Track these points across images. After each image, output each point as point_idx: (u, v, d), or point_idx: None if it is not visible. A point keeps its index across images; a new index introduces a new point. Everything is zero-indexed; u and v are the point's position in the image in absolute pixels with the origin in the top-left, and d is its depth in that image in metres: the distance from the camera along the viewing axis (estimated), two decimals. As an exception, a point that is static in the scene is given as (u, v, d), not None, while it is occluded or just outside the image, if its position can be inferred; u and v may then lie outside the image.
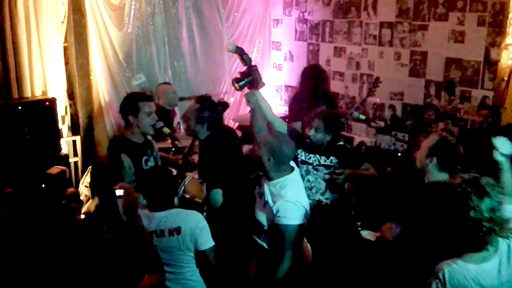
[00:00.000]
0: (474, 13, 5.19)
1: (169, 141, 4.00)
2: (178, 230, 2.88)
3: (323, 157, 3.67)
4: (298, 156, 3.67)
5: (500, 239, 2.17)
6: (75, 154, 5.63)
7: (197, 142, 3.91)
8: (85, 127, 5.68)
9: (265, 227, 3.06)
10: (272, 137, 3.09)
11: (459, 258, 2.18)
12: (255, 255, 3.21)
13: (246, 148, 4.50)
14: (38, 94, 5.18)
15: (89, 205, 5.32)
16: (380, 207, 3.82)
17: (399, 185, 3.32)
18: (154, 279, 2.65)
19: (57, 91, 5.30)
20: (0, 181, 3.73)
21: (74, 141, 5.62)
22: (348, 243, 3.01)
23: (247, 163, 3.91)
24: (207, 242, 2.93)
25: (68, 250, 2.24)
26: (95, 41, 5.71)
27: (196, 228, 2.91)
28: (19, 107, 4.77)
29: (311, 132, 3.62)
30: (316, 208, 3.53)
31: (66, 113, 5.51)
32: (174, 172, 4.19)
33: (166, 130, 4.00)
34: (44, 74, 5.22)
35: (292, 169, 3.11)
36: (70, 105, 5.60)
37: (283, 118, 4.97)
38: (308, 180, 3.66)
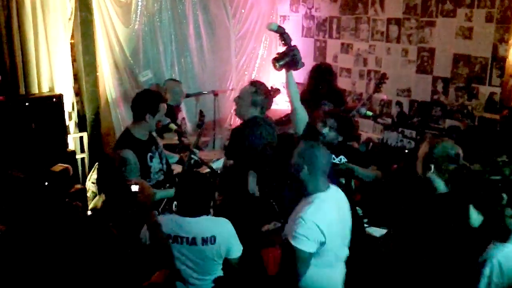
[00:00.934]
0: (482, 9, 5.16)
1: (173, 138, 4.01)
2: (212, 239, 2.81)
3: (332, 155, 3.69)
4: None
5: None
6: (82, 151, 5.65)
7: (202, 139, 3.93)
8: (92, 123, 5.69)
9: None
10: (307, 146, 2.86)
11: (506, 242, 2.19)
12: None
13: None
14: (45, 90, 5.19)
15: (96, 201, 5.35)
16: (386, 204, 3.81)
17: (406, 189, 3.30)
18: (164, 275, 2.67)
19: (64, 88, 5.31)
20: (7, 176, 3.75)
21: (81, 138, 5.64)
22: (354, 240, 2.99)
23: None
24: (238, 250, 2.92)
25: (71, 247, 2.25)
26: (102, 37, 5.71)
27: (230, 237, 2.88)
28: (27, 103, 4.76)
29: (325, 130, 3.69)
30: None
31: (73, 109, 5.52)
32: (179, 169, 4.21)
33: (173, 126, 4.03)
34: (51, 71, 5.22)
35: (328, 186, 2.86)
36: (77, 102, 5.61)
37: (288, 114, 4.99)
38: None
